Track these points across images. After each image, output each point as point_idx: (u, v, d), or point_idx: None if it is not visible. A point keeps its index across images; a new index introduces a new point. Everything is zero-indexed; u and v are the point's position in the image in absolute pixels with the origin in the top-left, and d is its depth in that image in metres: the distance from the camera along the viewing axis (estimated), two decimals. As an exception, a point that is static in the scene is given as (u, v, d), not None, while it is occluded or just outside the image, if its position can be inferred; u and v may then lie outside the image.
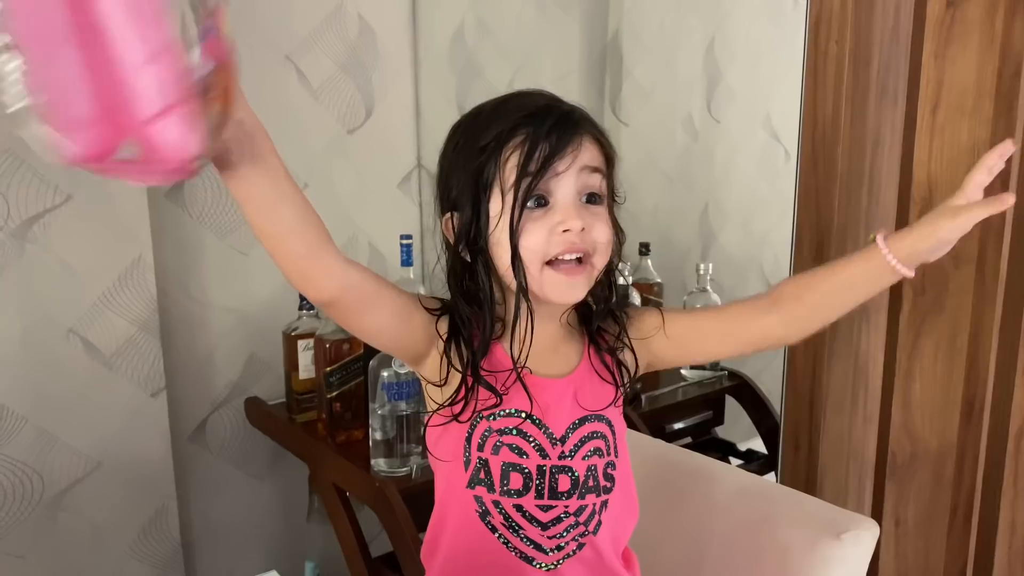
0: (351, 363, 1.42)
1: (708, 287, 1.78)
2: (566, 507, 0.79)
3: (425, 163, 1.82)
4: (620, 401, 0.84)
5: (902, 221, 1.12)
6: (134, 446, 1.48)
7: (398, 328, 0.78)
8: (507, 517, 0.79)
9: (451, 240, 0.80)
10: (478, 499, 0.79)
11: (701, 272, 1.77)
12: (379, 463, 1.31)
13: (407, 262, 1.61)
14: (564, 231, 0.74)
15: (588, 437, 0.81)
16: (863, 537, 0.82)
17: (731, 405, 1.87)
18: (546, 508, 0.79)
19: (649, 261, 1.89)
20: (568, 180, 0.74)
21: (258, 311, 1.63)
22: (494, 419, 0.78)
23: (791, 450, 1.28)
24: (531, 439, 0.79)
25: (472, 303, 0.79)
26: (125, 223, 1.42)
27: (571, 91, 2.04)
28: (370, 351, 1.37)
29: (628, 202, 2.34)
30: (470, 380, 0.78)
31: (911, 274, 0.77)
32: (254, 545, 1.71)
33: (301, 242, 0.69)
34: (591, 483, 0.80)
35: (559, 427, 0.80)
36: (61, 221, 1.36)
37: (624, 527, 0.85)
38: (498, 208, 0.75)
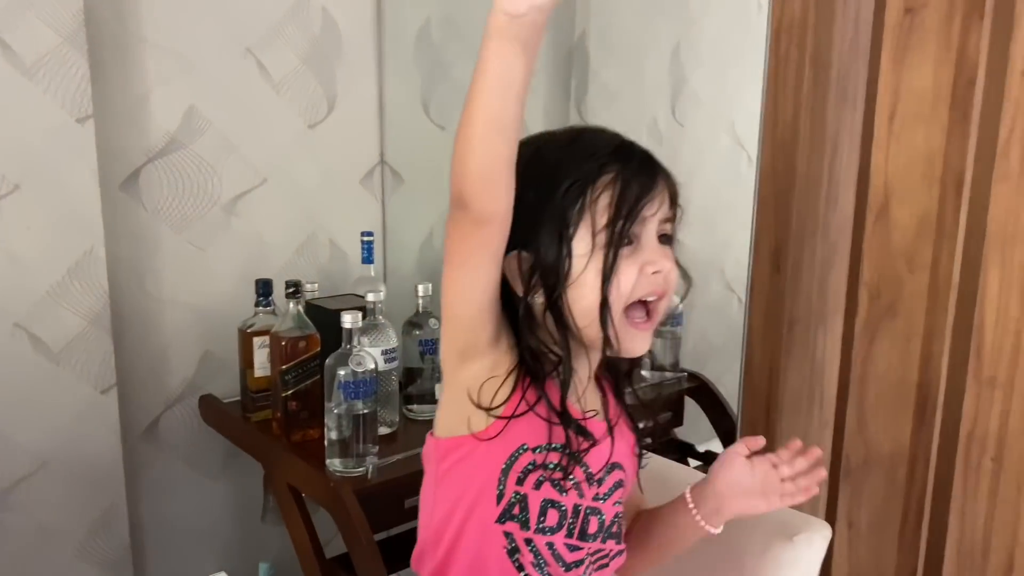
0: (307, 361, 1.40)
1: (669, 290, 1.78)
2: (589, 549, 0.79)
3: (388, 160, 1.80)
4: (637, 447, 0.85)
5: (859, 225, 1.13)
6: (83, 444, 1.45)
7: (490, 302, 0.72)
8: (537, 555, 0.76)
9: (515, 280, 0.75)
10: (508, 535, 0.76)
11: (663, 274, 1.77)
12: (334, 463, 1.29)
13: (368, 259, 1.60)
14: (654, 272, 0.73)
15: (618, 484, 0.81)
16: (815, 539, 0.83)
17: (693, 407, 1.87)
18: (573, 548, 0.78)
19: (613, 263, 1.88)
20: (652, 224, 0.74)
21: (214, 307, 1.60)
22: (540, 451, 0.75)
23: (748, 452, 1.28)
24: (572, 477, 0.77)
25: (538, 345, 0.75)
26: (76, 214, 1.38)
27: (537, 91, 2.05)
28: (326, 349, 1.35)
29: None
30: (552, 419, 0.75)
31: (703, 524, 0.83)
32: (207, 546, 1.68)
33: (508, 144, 0.65)
34: (615, 529, 0.80)
35: (597, 466, 0.79)
36: (9, 211, 1.32)
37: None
38: (585, 248, 0.72)
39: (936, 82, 1.05)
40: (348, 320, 1.26)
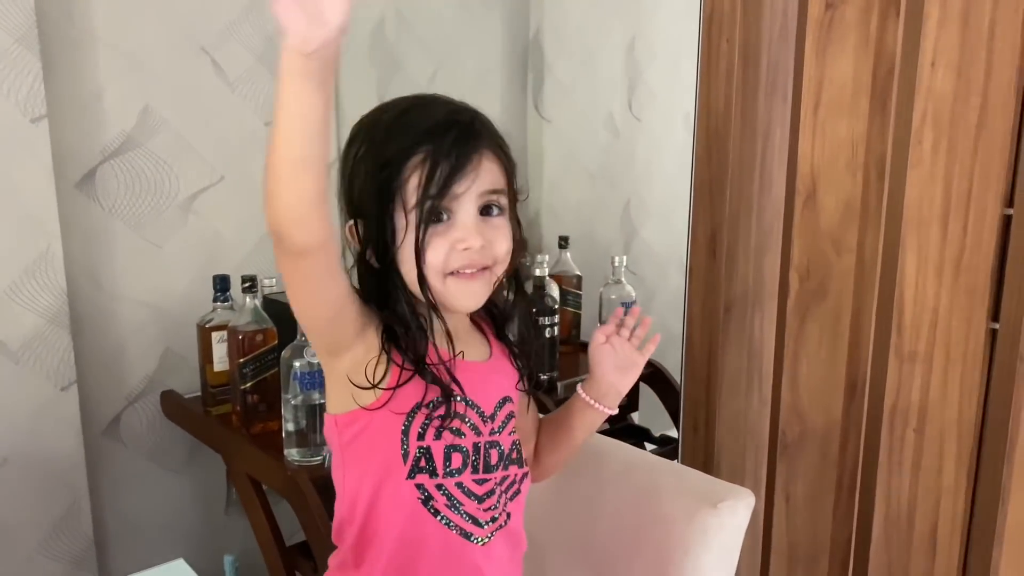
0: (265, 354, 1.42)
1: (623, 279, 1.83)
2: (495, 479, 0.84)
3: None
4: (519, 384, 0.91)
5: (789, 211, 1.18)
6: (43, 441, 1.46)
7: (339, 309, 0.77)
8: (450, 497, 0.82)
9: (355, 245, 0.81)
10: (420, 487, 0.81)
11: (616, 264, 1.82)
12: (292, 453, 1.32)
13: (325, 254, 1.62)
14: (464, 248, 0.77)
15: (510, 416, 0.87)
16: (738, 507, 0.88)
17: (651, 393, 1.92)
18: (481, 482, 0.83)
19: (568, 254, 1.93)
20: (468, 199, 0.77)
21: (173, 304, 1.62)
22: (432, 405, 0.80)
23: (690, 431, 1.33)
24: (467, 419, 0.82)
25: (387, 308, 0.81)
26: (32, 214, 1.40)
27: (494, 87, 2.09)
28: (284, 342, 1.38)
29: (551, 197, 2.38)
30: (410, 374, 0.79)
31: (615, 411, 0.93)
32: (171, 540, 1.70)
33: (316, 180, 0.66)
34: (514, 455, 0.86)
35: (488, 405, 0.85)
36: (-37, 212, 1.34)
37: (524, 498, 0.90)
38: (402, 223, 0.77)
39: (856, 73, 1.10)
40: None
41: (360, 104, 1.96)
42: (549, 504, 1.01)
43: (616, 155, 2.23)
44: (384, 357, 0.79)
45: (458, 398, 0.81)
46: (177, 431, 1.64)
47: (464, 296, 0.80)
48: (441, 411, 0.80)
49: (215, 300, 1.51)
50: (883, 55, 1.08)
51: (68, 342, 1.46)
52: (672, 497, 0.91)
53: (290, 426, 1.33)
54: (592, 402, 0.91)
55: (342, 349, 0.79)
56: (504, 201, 0.80)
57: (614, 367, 0.90)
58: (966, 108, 1.02)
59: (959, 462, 1.10)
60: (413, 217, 0.76)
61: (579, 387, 0.93)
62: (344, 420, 0.82)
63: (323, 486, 1.28)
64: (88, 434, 1.54)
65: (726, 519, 0.87)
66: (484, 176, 0.77)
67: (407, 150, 0.75)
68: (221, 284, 1.50)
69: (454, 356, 0.81)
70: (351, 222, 0.81)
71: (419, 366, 0.79)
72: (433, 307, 0.79)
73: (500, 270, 0.82)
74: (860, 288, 1.15)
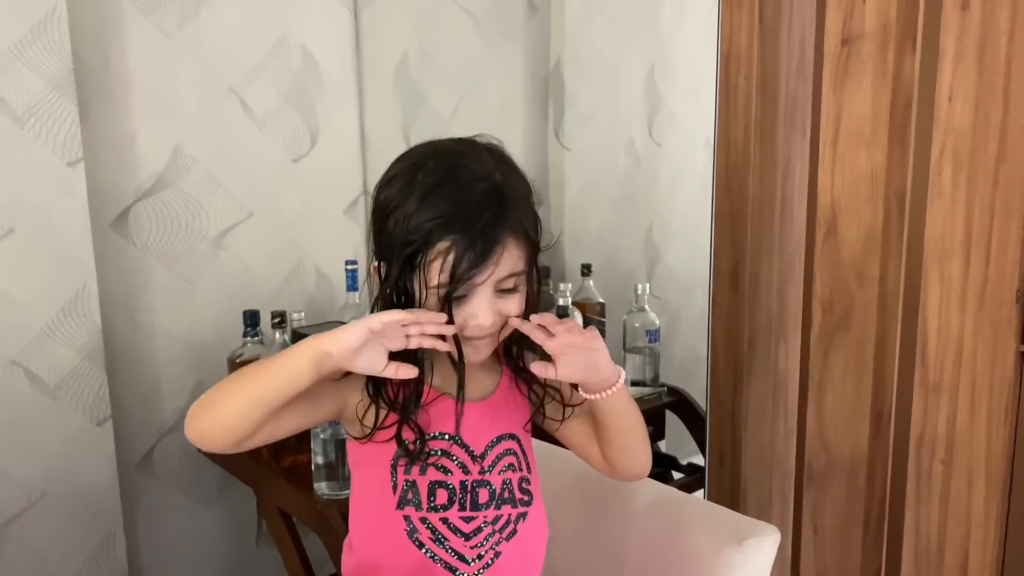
0: (294, 388, 1.45)
1: (646, 306, 1.84)
2: (485, 517, 0.86)
3: (371, 189, 1.86)
4: (529, 425, 0.92)
5: (810, 242, 1.19)
6: (80, 475, 1.49)
7: (307, 426, 0.86)
8: (434, 531, 0.85)
9: (378, 283, 0.85)
10: (407, 518, 0.85)
11: (639, 292, 1.83)
12: (321, 486, 1.34)
13: (352, 287, 1.65)
14: (476, 324, 0.81)
15: (504, 454, 0.88)
16: (764, 544, 0.88)
17: (677, 421, 1.92)
18: (468, 519, 0.86)
19: (591, 282, 1.94)
20: (485, 287, 0.80)
21: (204, 338, 1.65)
22: (416, 443, 0.84)
23: (716, 463, 1.33)
24: (455, 458, 0.86)
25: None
26: (69, 253, 1.44)
27: (515, 117, 2.12)
28: (313, 376, 1.40)
29: (573, 224, 2.38)
30: (396, 423, 0.84)
31: (596, 397, 0.87)
32: (203, 571, 1.72)
33: (250, 424, 0.77)
34: (506, 495, 0.87)
35: (479, 445, 0.87)
36: (3, 253, 1.38)
37: (538, 537, 0.91)
38: (423, 289, 0.80)
39: (875, 107, 1.11)
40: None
41: (385, 139, 2.01)
42: (576, 539, 1.02)
43: (637, 181, 2.25)
44: (372, 409, 0.85)
45: (435, 434, 0.85)
46: (208, 464, 1.66)
47: (472, 354, 0.84)
48: (432, 446, 0.85)
49: (245, 335, 1.54)
50: (900, 89, 1.09)
51: (103, 378, 1.50)
52: (698, 533, 0.91)
53: (319, 459, 1.35)
54: (597, 396, 0.86)
55: (338, 415, 0.88)
56: (522, 280, 0.83)
57: (578, 369, 0.83)
58: (985, 140, 1.03)
59: (989, 492, 1.09)
60: (432, 293, 0.79)
61: (572, 398, 0.90)
62: (351, 445, 0.88)
63: (352, 519, 1.30)
64: (122, 467, 1.57)
65: (752, 556, 0.87)
66: (504, 264, 0.79)
67: (434, 233, 0.77)
68: (251, 319, 1.53)
69: (460, 401, 0.84)
70: (376, 263, 0.85)
71: (405, 415, 0.84)
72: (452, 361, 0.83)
73: (508, 331, 0.85)
74: (883, 319, 1.15)
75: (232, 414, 0.77)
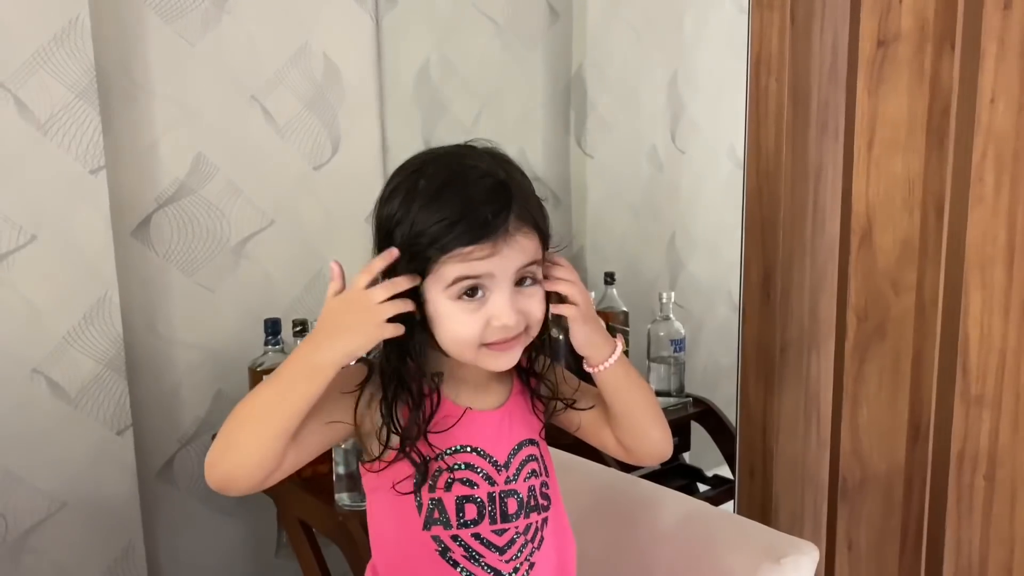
0: (315, 398, 1.43)
1: (671, 315, 1.81)
2: (516, 528, 0.83)
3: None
4: (543, 430, 0.89)
5: (844, 250, 1.15)
6: (100, 485, 1.48)
7: (328, 445, 0.83)
8: (467, 548, 0.82)
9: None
10: (436, 538, 0.82)
11: (664, 301, 1.80)
12: (342, 497, 1.32)
13: (373, 296, 1.64)
14: (500, 325, 0.78)
15: (527, 460, 0.86)
16: (802, 562, 0.85)
17: (703, 432, 1.89)
18: (500, 532, 0.83)
19: (615, 290, 1.92)
20: (503, 279, 0.77)
21: (225, 347, 1.64)
22: (441, 459, 0.82)
23: (746, 477, 1.30)
24: (479, 470, 0.83)
25: (406, 358, 0.81)
26: (90, 262, 1.43)
27: (536, 125, 2.10)
28: (334, 385, 1.38)
29: (595, 232, 2.36)
30: (408, 449, 0.81)
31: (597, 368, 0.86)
32: (223, 582, 1.71)
33: (276, 455, 0.75)
34: (533, 502, 0.85)
35: (502, 454, 0.84)
36: (26, 261, 1.38)
37: (564, 545, 0.88)
38: (436, 293, 0.77)
39: (911, 110, 1.08)
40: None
41: (406, 147, 1.98)
42: (603, 558, 0.99)
43: (660, 188, 2.22)
44: (384, 430, 0.81)
45: (455, 448, 0.82)
46: (228, 473, 1.65)
47: (498, 363, 0.81)
48: (450, 461, 0.82)
49: (266, 343, 1.52)
50: (939, 91, 1.06)
51: (124, 386, 1.49)
52: (731, 551, 0.88)
53: (340, 469, 1.33)
54: (599, 368, 0.85)
55: (351, 437, 0.85)
56: (538, 270, 0.81)
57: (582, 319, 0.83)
58: (1029, 144, 0.99)
59: (1033, 509, 1.05)
60: (448, 294, 0.77)
61: (587, 367, 0.87)
62: (366, 472, 0.85)
63: (373, 531, 1.27)
64: (142, 477, 1.56)
65: (789, 575, 0.84)
66: (519, 254, 0.78)
67: (443, 236, 0.75)
68: (272, 327, 1.52)
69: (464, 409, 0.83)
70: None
71: (405, 441, 0.81)
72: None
73: (535, 332, 0.82)
74: (921, 329, 1.11)
75: (256, 449, 0.74)
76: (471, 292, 0.77)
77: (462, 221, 0.75)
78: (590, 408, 0.89)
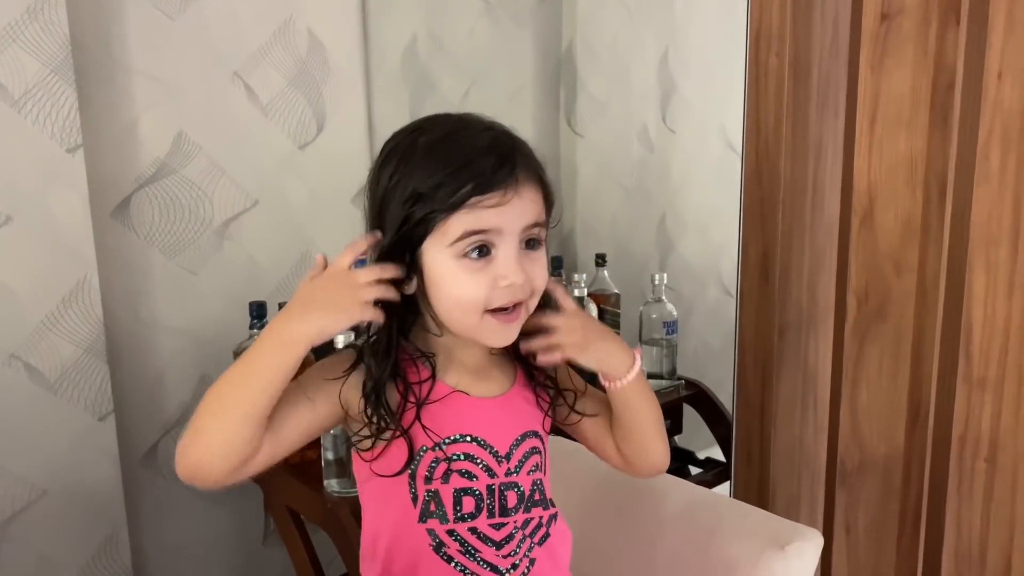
0: (303, 382, 1.40)
1: (663, 297, 1.79)
2: (515, 522, 0.80)
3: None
4: (548, 424, 0.86)
5: (845, 230, 1.13)
6: (82, 472, 1.45)
7: (310, 435, 0.78)
8: (463, 543, 0.79)
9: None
10: (431, 532, 0.78)
11: (656, 282, 1.78)
12: (331, 483, 1.30)
13: (361, 278, 1.60)
14: (507, 285, 0.74)
15: (530, 452, 0.82)
16: (806, 548, 0.83)
17: (694, 414, 1.87)
18: (498, 526, 0.79)
19: (606, 272, 1.89)
20: (511, 235, 0.74)
21: (209, 331, 1.60)
22: (439, 448, 0.78)
23: (743, 461, 1.28)
24: (479, 461, 0.79)
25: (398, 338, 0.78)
26: (69, 244, 1.39)
27: (526, 103, 2.06)
28: (322, 370, 1.35)
29: (585, 213, 2.34)
30: (397, 431, 0.77)
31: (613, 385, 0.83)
32: (209, 570, 1.68)
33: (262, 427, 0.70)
34: (536, 497, 0.82)
35: (503, 445, 0.81)
36: (1, 243, 1.33)
37: (565, 542, 0.86)
38: (440, 256, 0.74)
39: (915, 87, 1.05)
40: (341, 339, 1.27)
41: (393, 126, 1.94)
42: (604, 546, 0.97)
43: (651, 168, 2.20)
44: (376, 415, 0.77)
45: (454, 437, 0.78)
46: (214, 459, 1.62)
47: (498, 337, 0.77)
48: (450, 451, 0.78)
49: (251, 327, 1.49)
50: (943, 67, 1.04)
51: (105, 371, 1.45)
52: (736, 538, 0.86)
53: (329, 455, 1.30)
54: (618, 383, 0.82)
55: (339, 423, 0.80)
56: (543, 233, 0.78)
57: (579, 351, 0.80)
58: (1036, 121, 0.97)
59: (1033, 492, 1.04)
60: (453, 251, 0.73)
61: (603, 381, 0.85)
62: (359, 462, 0.81)
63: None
64: (125, 464, 1.53)
65: (794, 562, 0.82)
66: (528, 206, 0.75)
67: (448, 184, 0.72)
68: (257, 311, 1.48)
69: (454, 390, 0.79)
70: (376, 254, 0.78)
71: (396, 423, 0.77)
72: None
73: (534, 304, 0.79)
74: (922, 310, 1.10)
75: (224, 435, 0.69)
76: (477, 251, 0.73)
77: (469, 168, 0.72)
78: (595, 416, 0.86)
